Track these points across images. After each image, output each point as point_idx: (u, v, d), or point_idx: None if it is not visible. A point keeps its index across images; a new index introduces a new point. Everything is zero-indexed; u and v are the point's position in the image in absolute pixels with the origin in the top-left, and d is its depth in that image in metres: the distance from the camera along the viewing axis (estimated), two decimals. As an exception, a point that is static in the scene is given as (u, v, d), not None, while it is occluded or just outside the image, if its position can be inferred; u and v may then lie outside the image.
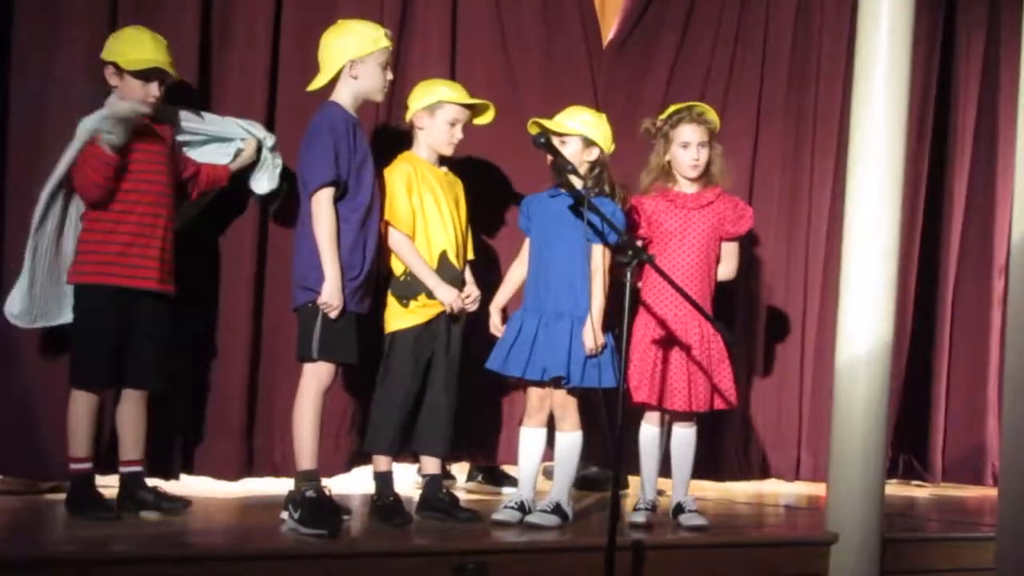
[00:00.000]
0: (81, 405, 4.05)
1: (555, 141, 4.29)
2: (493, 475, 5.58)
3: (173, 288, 4.20)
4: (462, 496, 4.92)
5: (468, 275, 4.53)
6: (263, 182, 4.57)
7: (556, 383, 4.41)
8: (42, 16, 4.38)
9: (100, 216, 4.07)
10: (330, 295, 4.09)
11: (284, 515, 4.06)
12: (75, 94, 4.30)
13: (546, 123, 4.43)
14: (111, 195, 4.05)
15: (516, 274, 4.64)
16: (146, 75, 4.13)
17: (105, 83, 4.18)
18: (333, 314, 4.10)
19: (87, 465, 4.04)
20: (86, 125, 4.02)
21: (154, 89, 4.15)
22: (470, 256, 4.58)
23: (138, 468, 4.15)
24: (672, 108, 4.77)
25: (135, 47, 4.14)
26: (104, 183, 4.01)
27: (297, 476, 4.10)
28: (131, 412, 4.14)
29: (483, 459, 5.46)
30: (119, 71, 4.14)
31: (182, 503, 4.15)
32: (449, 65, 5.19)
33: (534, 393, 4.51)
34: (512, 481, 5.33)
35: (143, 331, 4.12)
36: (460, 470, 5.72)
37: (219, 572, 3.50)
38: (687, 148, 4.67)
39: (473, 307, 4.47)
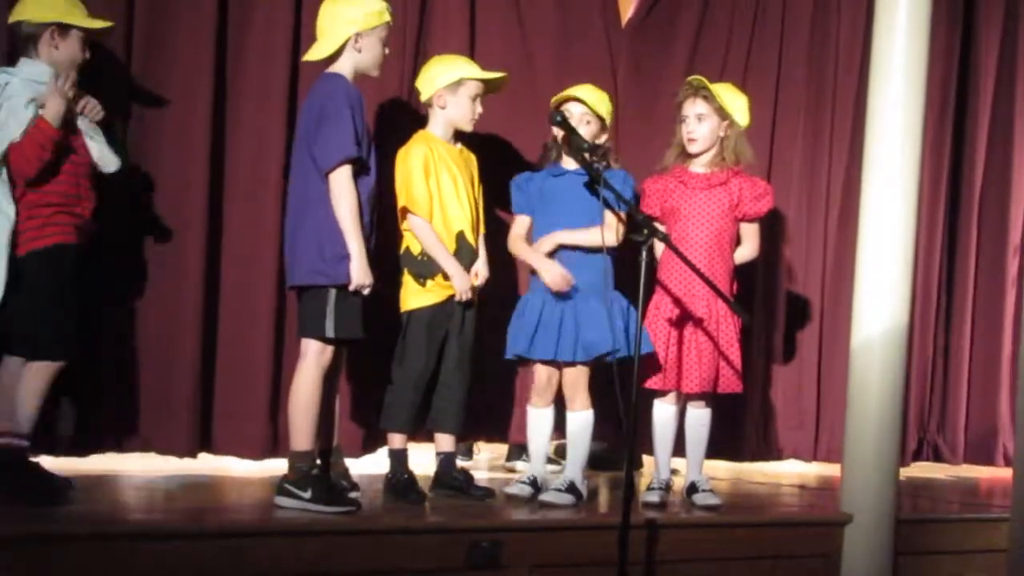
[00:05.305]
0: None
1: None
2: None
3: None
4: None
5: (481, 248, 4.51)
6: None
7: (600, 359, 4.39)
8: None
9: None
10: (360, 275, 3.97)
11: (282, 500, 3.92)
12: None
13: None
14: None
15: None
16: (88, 37, 3.91)
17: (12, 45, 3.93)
18: (366, 291, 4.01)
19: None
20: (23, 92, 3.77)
21: (87, 52, 3.94)
22: (482, 230, 4.56)
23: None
24: None
25: (78, 7, 3.90)
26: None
27: (294, 456, 3.96)
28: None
29: (496, 438, 5.46)
30: (64, 31, 3.87)
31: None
32: (469, 44, 5.16)
33: (543, 372, 4.53)
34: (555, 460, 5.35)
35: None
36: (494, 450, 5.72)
37: (232, 547, 3.52)
38: (684, 123, 4.66)
39: (480, 282, 4.45)
